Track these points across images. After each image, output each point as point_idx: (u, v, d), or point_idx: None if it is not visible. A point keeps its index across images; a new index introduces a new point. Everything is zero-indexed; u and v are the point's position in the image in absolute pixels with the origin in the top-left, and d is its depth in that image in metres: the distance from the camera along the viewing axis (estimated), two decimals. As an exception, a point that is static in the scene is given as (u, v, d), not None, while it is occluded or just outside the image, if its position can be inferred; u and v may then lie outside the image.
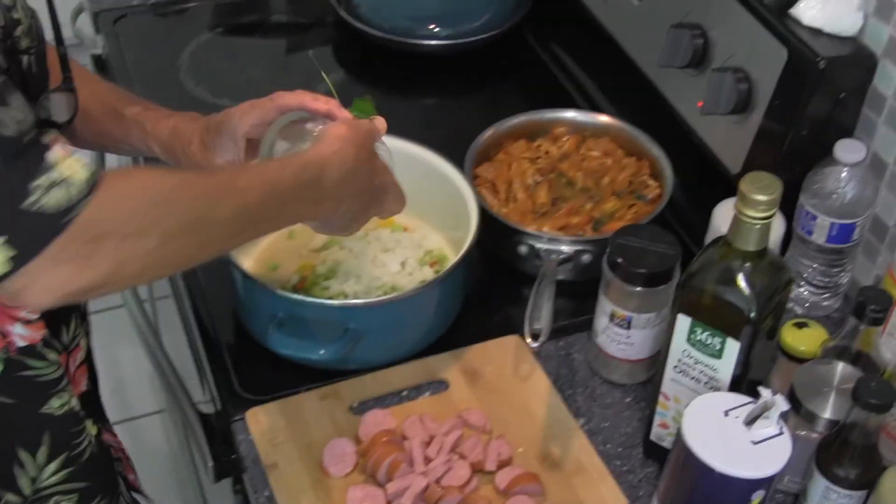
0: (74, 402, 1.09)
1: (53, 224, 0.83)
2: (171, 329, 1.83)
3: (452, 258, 1.38)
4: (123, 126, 1.24)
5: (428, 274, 1.40)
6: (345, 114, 1.19)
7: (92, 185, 0.85)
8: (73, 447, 1.10)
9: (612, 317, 1.28)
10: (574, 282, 1.44)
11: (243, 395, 1.31)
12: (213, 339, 1.39)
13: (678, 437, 1.07)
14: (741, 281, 1.07)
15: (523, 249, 1.43)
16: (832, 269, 1.38)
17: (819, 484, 1.10)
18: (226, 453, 1.31)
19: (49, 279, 0.85)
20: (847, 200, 1.32)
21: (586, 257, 1.42)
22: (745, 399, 1.08)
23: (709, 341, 1.10)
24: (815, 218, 1.33)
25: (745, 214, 1.03)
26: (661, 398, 1.19)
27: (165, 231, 0.90)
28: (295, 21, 1.99)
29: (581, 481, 1.21)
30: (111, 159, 1.84)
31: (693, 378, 1.14)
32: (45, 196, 0.83)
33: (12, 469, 1.07)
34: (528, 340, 1.29)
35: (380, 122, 1.20)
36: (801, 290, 1.40)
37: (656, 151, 1.54)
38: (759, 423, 1.05)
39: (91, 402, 1.20)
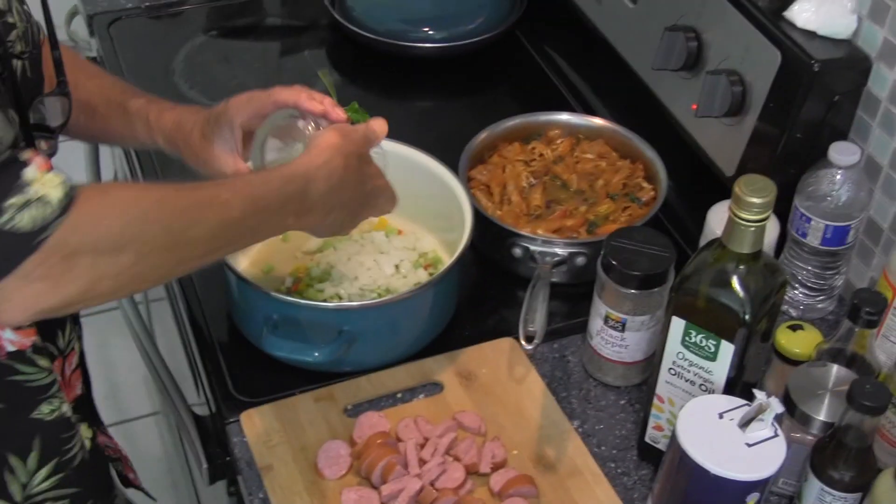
0: (65, 408, 1.09)
1: (27, 243, 0.83)
2: (166, 331, 1.83)
3: (447, 261, 1.38)
4: (128, 119, 1.24)
5: (422, 276, 1.40)
6: (340, 115, 1.18)
7: (67, 204, 0.85)
8: (63, 453, 1.10)
9: (607, 319, 1.28)
10: (568, 284, 1.44)
11: (238, 398, 1.31)
12: (208, 342, 1.39)
13: (673, 440, 1.07)
14: (735, 283, 1.07)
15: (518, 252, 1.43)
16: (826, 272, 1.38)
17: (814, 486, 1.10)
18: (220, 455, 1.31)
19: (22, 298, 0.85)
20: (841, 203, 1.32)
21: (581, 260, 1.42)
22: (739, 401, 1.08)
23: (703, 344, 1.11)
24: (809, 220, 1.33)
25: (739, 217, 1.03)
26: (655, 400, 1.19)
27: (141, 249, 0.90)
28: (289, 24, 1.99)
29: (575, 484, 1.21)
30: (106, 159, 1.84)
31: (687, 380, 1.14)
32: (19, 214, 0.83)
33: (3, 475, 1.07)
34: (523, 343, 1.29)
35: (379, 127, 1.19)
36: (796, 292, 1.41)
37: (650, 154, 1.54)
38: (753, 425, 1.05)
39: (86, 405, 1.20)
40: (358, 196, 1.15)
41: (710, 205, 1.38)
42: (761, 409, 1.05)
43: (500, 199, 1.51)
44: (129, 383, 2.60)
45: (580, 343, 1.39)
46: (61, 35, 1.10)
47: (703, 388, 1.13)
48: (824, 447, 1.09)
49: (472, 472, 1.21)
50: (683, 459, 1.04)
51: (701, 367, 1.12)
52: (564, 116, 1.63)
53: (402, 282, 1.40)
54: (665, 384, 1.17)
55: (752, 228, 1.04)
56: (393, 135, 1.22)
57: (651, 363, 1.22)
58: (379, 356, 1.33)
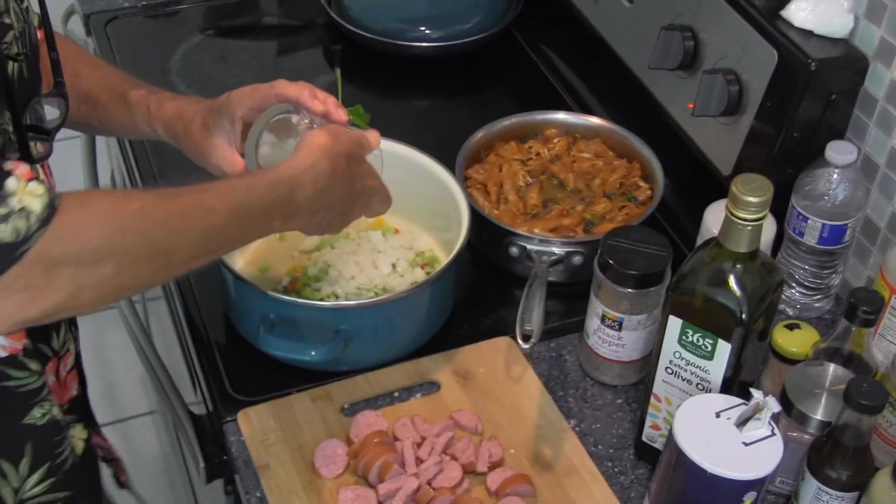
0: (56, 411, 1.08)
1: (8, 255, 0.83)
2: (163, 330, 1.83)
3: (443, 260, 1.38)
4: (128, 108, 1.24)
5: (419, 275, 1.40)
6: (341, 117, 1.18)
7: (49, 215, 0.84)
8: (55, 457, 1.10)
9: (604, 318, 1.28)
10: (565, 283, 1.44)
11: (235, 397, 1.31)
12: (205, 341, 1.39)
13: (670, 439, 1.07)
14: (732, 282, 1.07)
15: (514, 251, 1.43)
16: (823, 271, 1.38)
17: (811, 485, 1.10)
18: (217, 454, 1.31)
19: (2, 309, 0.85)
20: (838, 202, 1.32)
21: (577, 259, 1.42)
22: (736, 400, 1.08)
23: (700, 343, 1.11)
24: (806, 219, 1.33)
25: (736, 216, 1.03)
26: (652, 399, 1.19)
27: (122, 260, 0.90)
28: (286, 23, 1.99)
29: (572, 483, 1.21)
30: (103, 159, 1.84)
31: (684, 379, 1.14)
32: (1, 226, 0.82)
33: None
34: (520, 342, 1.29)
35: (373, 137, 1.19)
36: (793, 291, 1.41)
37: (647, 153, 1.54)
38: (750, 424, 1.05)
39: (81, 406, 1.20)
40: (346, 197, 1.14)
41: (706, 204, 1.38)
42: (758, 409, 1.05)
43: (497, 198, 1.51)
44: (125, 382, 2.60)
45: (577, 342, 1.39)
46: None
47: (700, 387, 1.13)
48: (821, 446, 1.09)
49: (468, 471, 1.21)
50: (680, 458, 1.05)
51: (698, 367, 1.12)
52: (561, 116, 1.63)
53: (399, 281, 1.40)
54: (662, 383, 1.17)
55: (749, 227, 1.04)
56: (389, 134, 1.22)
57: (648, 362, 1.22)
58: (376, 355, 1.33)
